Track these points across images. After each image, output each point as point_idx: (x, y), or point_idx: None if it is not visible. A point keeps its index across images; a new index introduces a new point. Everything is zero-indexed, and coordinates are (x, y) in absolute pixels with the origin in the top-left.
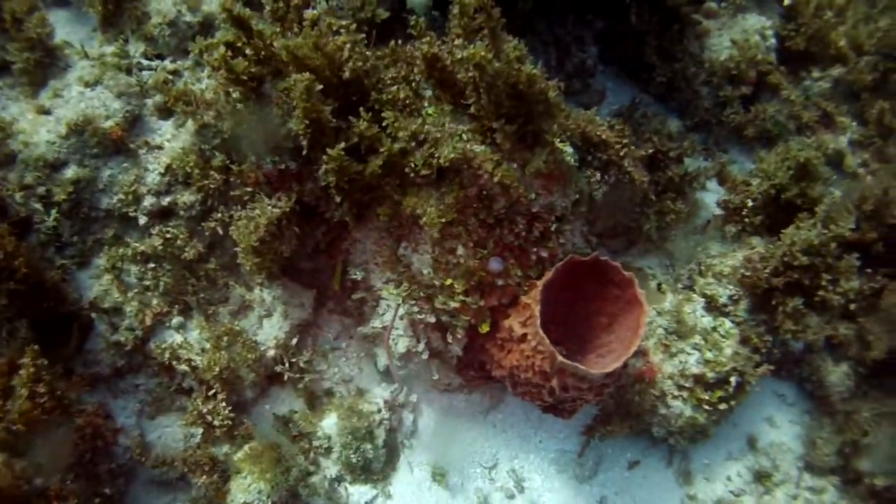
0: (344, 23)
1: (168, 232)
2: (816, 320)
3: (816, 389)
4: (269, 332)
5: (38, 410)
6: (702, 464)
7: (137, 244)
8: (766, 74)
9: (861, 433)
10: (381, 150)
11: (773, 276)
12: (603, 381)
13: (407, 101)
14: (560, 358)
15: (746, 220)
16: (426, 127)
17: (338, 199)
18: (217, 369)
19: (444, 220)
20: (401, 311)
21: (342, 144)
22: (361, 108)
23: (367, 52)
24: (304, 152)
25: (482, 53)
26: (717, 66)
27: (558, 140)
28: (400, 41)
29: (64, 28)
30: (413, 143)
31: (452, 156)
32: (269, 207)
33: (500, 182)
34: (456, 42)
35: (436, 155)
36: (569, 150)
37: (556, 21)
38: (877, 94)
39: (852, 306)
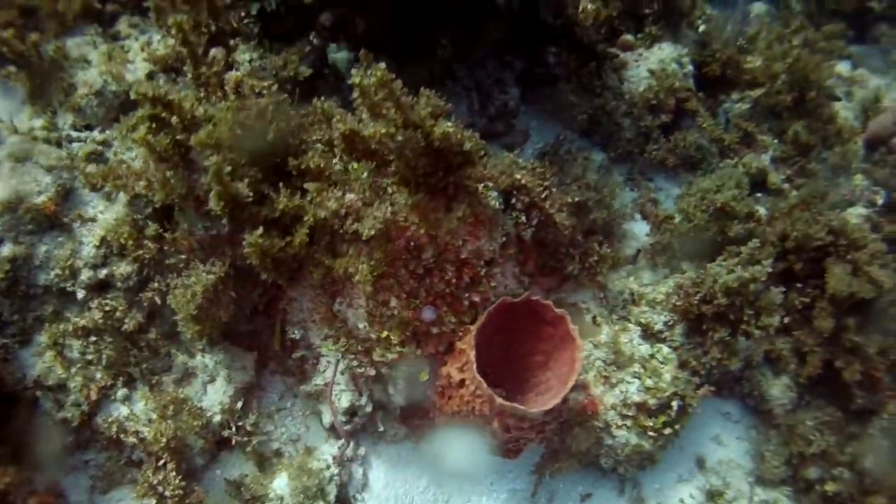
0: (266, 84)
1: (107, 304)
2: (746, 344)
3: (759, 404)
4: (214, 397)
5: None
6: (653, 489)
7: (77, 319)
8: (685, 101)
9: (806, 444)
10: (306, 218)
11: (703, 304)
12: (543, 419)
13: (328, 172)
14: (499, 400)
15: (674, 251)
16: (347, 198)
17: (264, 277)
18: (164, 440)
19: (375, 274)
20: (341, 366)
21: (259, 231)
22: (281, 184)
23: (291, 112)
24: (227, 229)
25: (383, 131)
26: (637, 97)
27: (481, 186)
28: (323, 97)
29: None
30: (337, 218)
31: (373, 233)
32: (204, 274)
33: (426, 233)
34: (363, 118)
35: (360, 231)
36: (493, 194)
37: (477, 65)
38: (795, 113)
39: (787, 320)
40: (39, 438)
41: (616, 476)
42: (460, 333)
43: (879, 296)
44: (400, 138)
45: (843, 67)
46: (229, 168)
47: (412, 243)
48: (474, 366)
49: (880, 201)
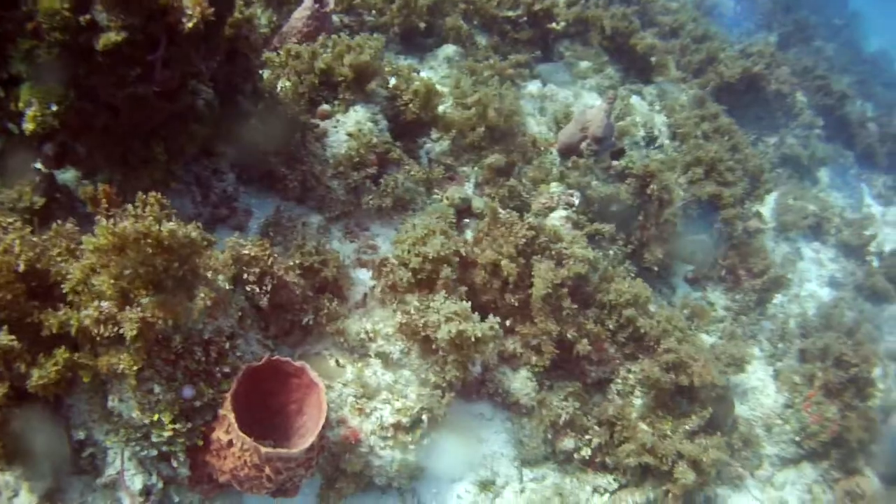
0: (10, 220)
1: None
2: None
3: (506, 399)
4: None
5: None
6: (431, 494)
7: None
8: (387, 153)
9: (555, 415)
10: (72, 323)
11: (429, 328)
12: (307, 456)
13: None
14: (264, 449)
15: (398, 288)
16: (103, 305)
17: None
18: None
19: (136, 367)
20: (126, 454)
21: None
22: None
23: (35, 239)
24: None
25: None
26: (342, 158)
27: (210, 273)
28: (59, 221)
29: None
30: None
31: (135, 333)
32: None
33: (173, 324)
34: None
35: (123, 333)
36: (220, 277)
37: (193, 161)
38: (490, 143)
39: (508, 322)
40: None
41: (395, 491)
42: (220, 400)
43: (592, 270)
44: (132, 253)
45: (533, 87)
46: None
47: (160, 336)
48: (236, 426)
49: (576, 202)
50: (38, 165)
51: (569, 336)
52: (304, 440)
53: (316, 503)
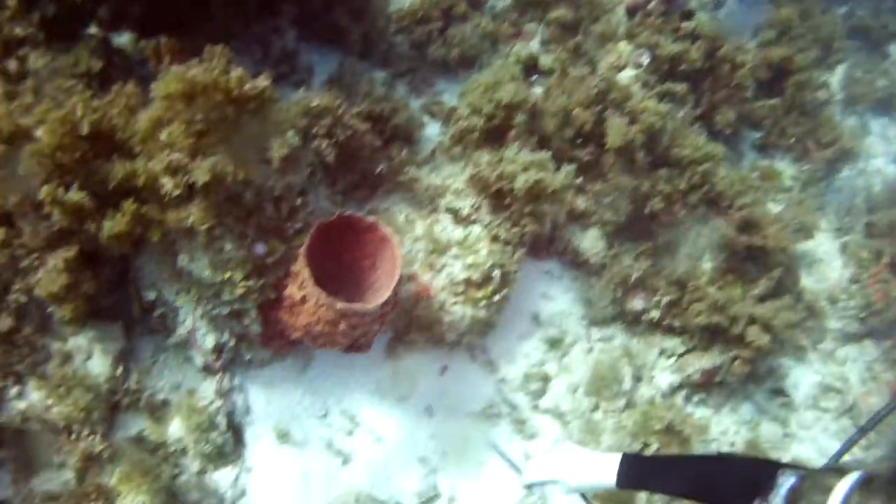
0: (70, 83)
1: None
2: (552, 209)
3: (575, 258)
4: (96, 370)
5: None
6: (500, 350)
7: None
8: (452, 7)
9: (625, 274)
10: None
11: (501, 180)
12: (382, 311)
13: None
14: (339, 304)
15: (468, 140)
16: (174, 156)
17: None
18: (69, 411)
19: (206, 223)
20: (197, 312)
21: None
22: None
23: (96, 103)
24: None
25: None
26: (406, 13)
27: (280, 127)
28: (121, 83)
29: None
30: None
31: (208, 178)
32: (60, 260)
33: (243, 180)
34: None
35: (194, 180)
36: (290, 133)
37: (252, 19)
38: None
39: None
40: None
41: (464, 347)
42: (292, 257)
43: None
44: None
45: None
46: (60, 188)
47: (231, 192)
48: (311, 281)
49: (645, 62)
50: (93, 30)
51: (641, 191)
52: (379, 295)
53: (384, 358)
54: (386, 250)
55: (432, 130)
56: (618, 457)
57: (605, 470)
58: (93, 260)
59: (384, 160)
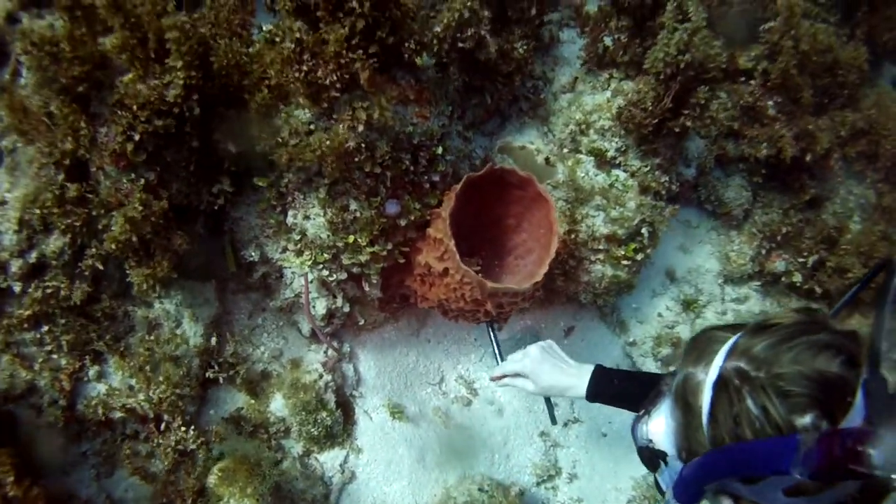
0: None
1: (48, 286)
2: (699, 150)
3: (717, 208)
4: (187, 340)
5: None
6: (631, 310)
7: (21, 311)
8: None
9: (770, 231)
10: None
11: (651, 117)
12: (535, 289)
13: None
14: (490, 284)
15: (612, 62)
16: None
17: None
18: (157, 398)
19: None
20: (310, 276)
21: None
22: None
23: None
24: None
25: None
26: None
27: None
28: None
29: None
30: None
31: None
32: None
33: (378, 128)
34: None
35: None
36: (426, 59)
37: None
38: None
39: (735, 125)
40: (32, 448)
41: (594, 307)
42: (429, 217)
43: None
44: None
45: None
46: None
47: (365, 142)
48: (457, 255)
49: None
50: None
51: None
52: (523, 262)
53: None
54: (536, 211)
55: (569, 51)
56: (591, 367)
57: (577, 378)
58: (179, 217)
59: (524, 79)
